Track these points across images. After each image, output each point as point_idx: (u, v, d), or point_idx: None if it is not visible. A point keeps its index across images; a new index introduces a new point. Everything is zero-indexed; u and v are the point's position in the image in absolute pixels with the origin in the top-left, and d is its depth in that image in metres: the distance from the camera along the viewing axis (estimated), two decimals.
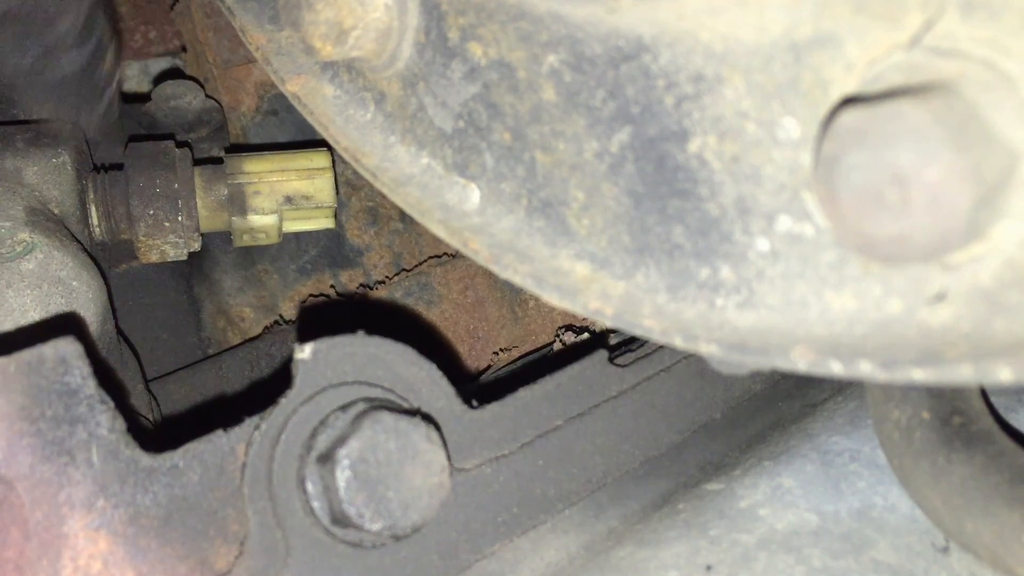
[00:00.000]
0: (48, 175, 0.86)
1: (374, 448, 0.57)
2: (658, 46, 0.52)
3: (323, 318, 1.14)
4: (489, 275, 1.18)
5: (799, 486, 0.68)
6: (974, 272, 0.45)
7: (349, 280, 1.21)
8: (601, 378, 0.70)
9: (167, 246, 0.96)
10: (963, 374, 0.44)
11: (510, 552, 0.66)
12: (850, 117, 0.42)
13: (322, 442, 0.58)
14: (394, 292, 1.16)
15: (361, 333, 0.61)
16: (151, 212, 0.93)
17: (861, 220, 0.43)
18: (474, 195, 0.64)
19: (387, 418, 0.57)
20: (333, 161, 1.02)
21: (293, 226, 1.02)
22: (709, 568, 0.62)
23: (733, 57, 0.49)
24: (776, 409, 0.81)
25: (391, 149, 0.69)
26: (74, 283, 0.79)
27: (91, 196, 0.92)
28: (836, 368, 0.47)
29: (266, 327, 1.17)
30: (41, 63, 0.85)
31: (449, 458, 0.60)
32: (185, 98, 1.10)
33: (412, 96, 0.66)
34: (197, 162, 0.99)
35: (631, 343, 0.77)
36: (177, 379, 1.06)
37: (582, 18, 0.54)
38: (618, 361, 0.72)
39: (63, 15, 0.77)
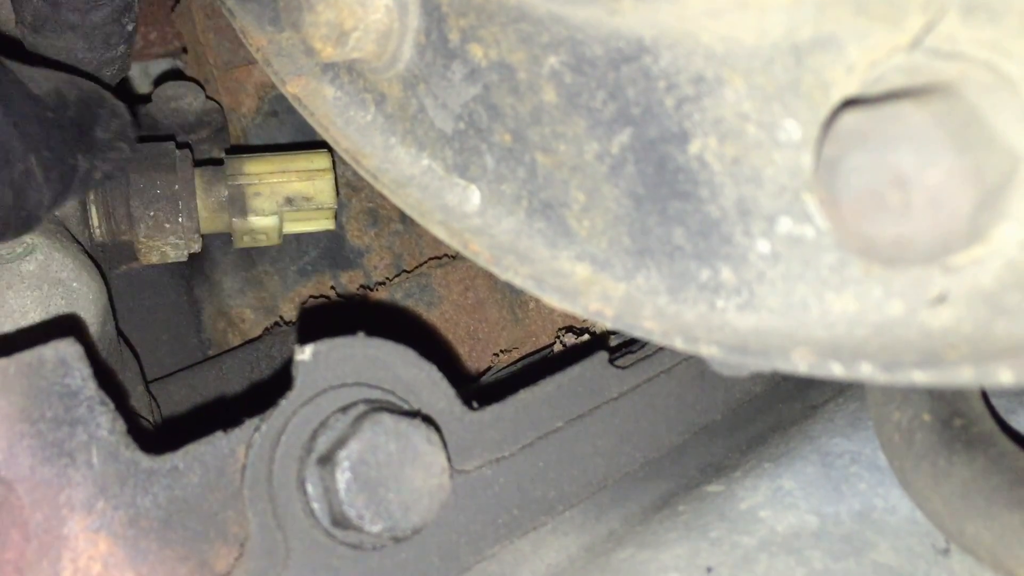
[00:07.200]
0: None
1: (374, 450, 0.57)
2: (659, 48, 0.51)
3: (323, 319, 1.14)
4: (489, 276, 1.18)
5: (800, 488, 0.68)
6: (975, 274, 0.45)
7: (349, 281, 1.21)
8: (601, 380, 0.70)
9: (167, 247, 0.96)
10: (964, 376, 0.44)
11: (510, 554, 0.66)
12: (851, 119, 0.42)
13: (322, 444, 0.58)
14: (394, 293, 1.16)
15: (361, 334, 0.61)
16: (151, 213, 0.93)
17: (862, 222, 0.43)
18: (474, 196, 0.64)
19: (387, 420, 0.57)
20: (333, 162, 1.02)
21: (293, 227, 1.02)
22: (710, 570, 0.62)
23: (734, 59, 0.49)
24: (777, 411, 0.81)
25: (391, 150, 0.69)
26: (74, 284, 0.79)
27: (91, 197, 0.92)
28: (837, 370, 0.47)
29: (266, 328, 1.17)
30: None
31: (449, 460, 0.60)
32: (186, 99, 1.10)
33: (413, 97, 0.66)
34: (198, 163, 0.99)
35: (631, 345, 0.77)
36: (177, 380, 1.06)
37: (583, 20, 0.54)
38: (618, 363, 0.72)
39: None
